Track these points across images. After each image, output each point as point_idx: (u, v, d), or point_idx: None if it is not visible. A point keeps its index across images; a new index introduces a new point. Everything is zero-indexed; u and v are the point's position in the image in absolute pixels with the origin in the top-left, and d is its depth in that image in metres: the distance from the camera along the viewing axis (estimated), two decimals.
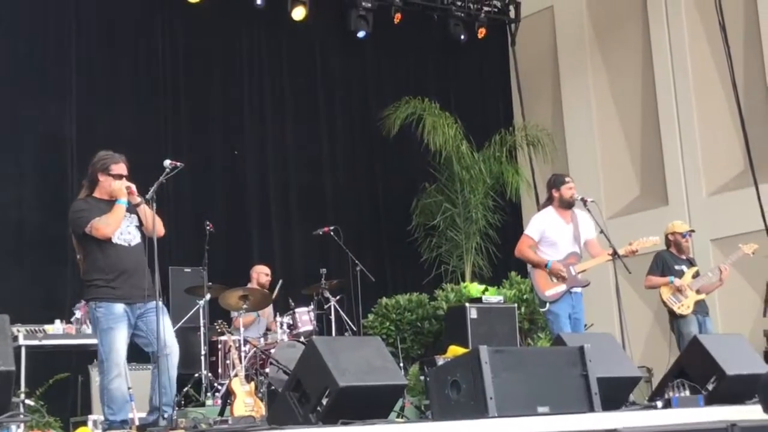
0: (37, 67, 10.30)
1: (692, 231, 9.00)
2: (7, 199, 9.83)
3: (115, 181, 6.16)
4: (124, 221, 6.19)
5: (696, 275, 8.72)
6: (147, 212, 6.19)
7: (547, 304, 7.51)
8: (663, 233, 8.92)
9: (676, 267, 8.74)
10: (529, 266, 7.87)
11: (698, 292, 8.65)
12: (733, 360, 6.18)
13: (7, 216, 9.78)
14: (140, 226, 6.29)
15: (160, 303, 6.13)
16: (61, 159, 10.22)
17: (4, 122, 9.99)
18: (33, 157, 10.15)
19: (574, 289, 7.57)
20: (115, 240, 6.14)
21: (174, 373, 6.07)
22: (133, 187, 6.18)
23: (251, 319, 9.60)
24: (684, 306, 8.57)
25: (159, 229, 6.19)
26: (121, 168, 6.26)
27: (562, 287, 7.49)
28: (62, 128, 10.26)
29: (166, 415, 5.85)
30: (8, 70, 10.08)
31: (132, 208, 6.22)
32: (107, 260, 6.11)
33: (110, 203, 6.16)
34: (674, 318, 8.66)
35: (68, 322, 8.28)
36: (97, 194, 6.27)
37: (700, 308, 8.66)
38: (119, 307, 6.05)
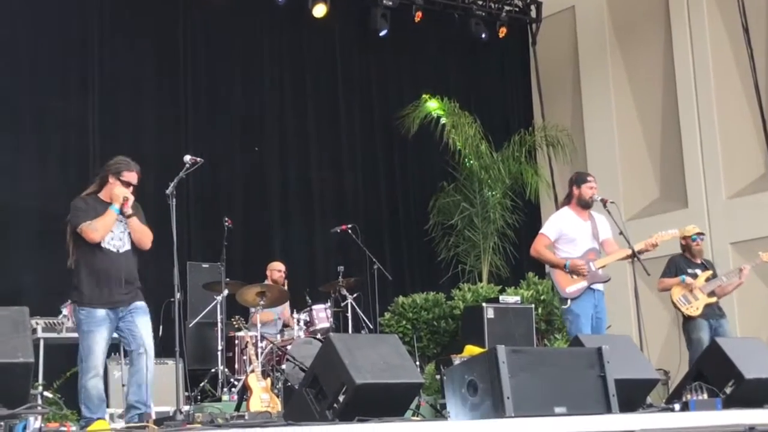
0: (60, 60, 10.38)
1: (701, 234, 8.95)
2: (30, 191, 9.90)
3: (118, 187, 6.25)
4: (119, 226, 6.31)
5: (710, 278, 8.68)
6: (134, 225, 6.30)
7: (569, 302, 7.45)
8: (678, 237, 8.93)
9: (689, 271, 8.71)
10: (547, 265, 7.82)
11: (711, 295, 8.60)
12: (751, 363, 6.14)
13: (29, 207, 9.84)
14: None
15: (143, 303, 6.31)
16: (83, 152, 10.28)
17: (28, 115, 10.09)
18: (56, 149, 10.23)
19: (596, 287, 7.52)
20: (104, 244, 6.24)
21: (147, 372, 6.18)
22: (131, 200, 6.27)
23: (270, 319, 9.62)
24: (693, 308, 8.54)
25: (144, 242, 6.36)
26: (131, 176, 6.36)
27: (583, 283, 7.44)
28: (85, 121, 10.33)
29: (138, 413, 6.05)
30: (32, 63, 10.16)
31: (121, 215, 6.29)
32: (93, 263, 6.23)
33: (108, 206, 6.27)
34: (685, 320, 8.64)
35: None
36: (102, 195, 6.36)
37: (712, 312, 8.61)
38: (101, 312, 6.18)
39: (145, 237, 6.35)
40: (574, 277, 7.46)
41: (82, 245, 6.26)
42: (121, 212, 6.26)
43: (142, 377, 6.16)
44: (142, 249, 6.38)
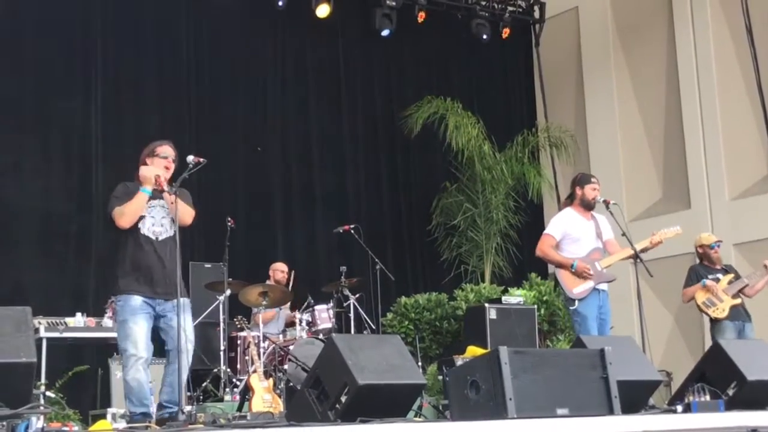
0: (63, 61, 10.39)
1: (719, 241, 8.96)
2: (33, 191, 9.92)
3: (146, 168, 6.01)
4: (159, 212, 6.09)
5: (732, 281, 8.66)
6: (170, 200, 6.02)
7: (576, 302, 7.44)
8: (694, 246, 8.94)
9: (710, 276, 8.71)
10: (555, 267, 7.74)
11: (736, 296, 8.59)
12: (754, 365, 6.12)
13: (32, 208, 9.88)
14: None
15: (186, 300, 6.07)
16: (86, 153, 10.32)
17: (32, 116, 10.11)
18: (59, 151, 10.27)
19: (601, 287, 7.52)
20: (143, 231, 6.05)
21: (181, 373, 5.91)
22: (164, 175, 6.02)
23: (271, 315, 9.62)
24: (719, 310, 8.52)
25: (184, 219, 6.08)
26: (165, 149, 6.17)
27: (590, 284, 7.43)
28: (88, 123, 10.35)
29: (169, 411, 5.88)
30: (36, 65, 10.17)
31: (157, 195, 6.07)
32: (131, 251, 6.04)
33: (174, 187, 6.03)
34: (712, 324, 8.64)
35: (89, 314, 8.32)
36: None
37: (739, 313, 8.59)
38: (137, 299, 5.97)
39: (185, 213, 6.07)
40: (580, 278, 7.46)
41: (121, 233, 6.04)
42: (152, 193, 6.00)
43: (176, 378, 5.91)
44: (182, 225, 6.06)
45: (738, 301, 8.61)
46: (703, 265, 8.88)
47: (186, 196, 6.29)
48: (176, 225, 6.02)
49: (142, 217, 6.09)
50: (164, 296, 6.00)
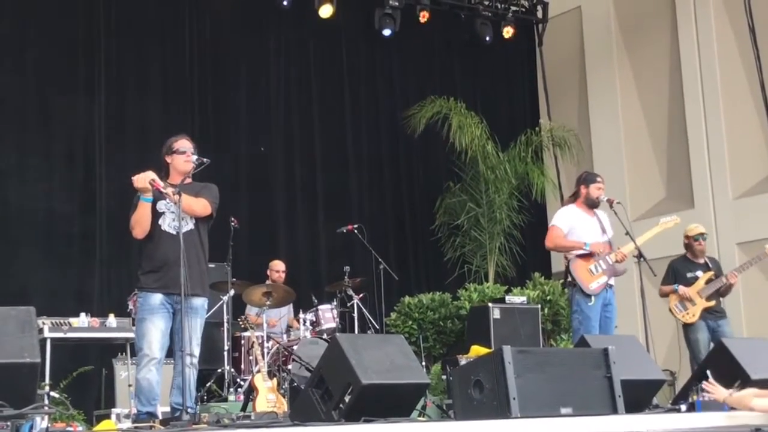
0: (66, 61, 10.38)
1: (703, 234, 8.77)
2: (36, 192, 9.92)
3: (138, 178, 5.92)
4: (177, 207, 6.00)
5: (711, 280, 8.56)
6: (174, 199, 5.96)
7: (593, 299, 7.43)
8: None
9: (689, 274, 8.59)
10: (569, 263, 7.62)
11: (710, 298, 8.49)
12: (757, 364, 6.13)
13: (35, 208, 9.87)
14: None
15: (201, 301, 6.13)
16: (89, 153, 10.31)
17: (34, 116, 10.11)
18: (62, 151, 10.25)
19: (609, 280, 7.54)
20: (164, 227, 6.07)
21: (188, 376, 5.90)
22: (158, 181, 5.97)
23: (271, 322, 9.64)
24: (689, 314, 8.46)
25: (195, 212, 6.08)
26: (182, 143, 6.21)
27: (604, 278, 7.46)
28: (90, 122, 10.35)
29: (177, 414, 5.85)
30: (38, 64, 10.17)
31: (160, 196, 6.04)
32: (152, 248, 6.06)
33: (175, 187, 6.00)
34: (683, 324, 8.59)
35: (93, 315, 8.31)
36: (171, 179, 6.17)
37: (710, 314, 8.52)
38: (156, 298, 5.99)
39: (194, 207, 6.05)
40: (596, 270, 7.45)
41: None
42: (158, 195, 5.98)
43: (182, 381, 5.85)
44: (196, 216, 6.10)
45: (712, 303, 8.50)
46: (686, 259, 8.71)
47: (209, 189, 6.30)
48: (192, 221, 6.09)
49: (161, 214, 6.12)
50: (179, 292, 5.88)
